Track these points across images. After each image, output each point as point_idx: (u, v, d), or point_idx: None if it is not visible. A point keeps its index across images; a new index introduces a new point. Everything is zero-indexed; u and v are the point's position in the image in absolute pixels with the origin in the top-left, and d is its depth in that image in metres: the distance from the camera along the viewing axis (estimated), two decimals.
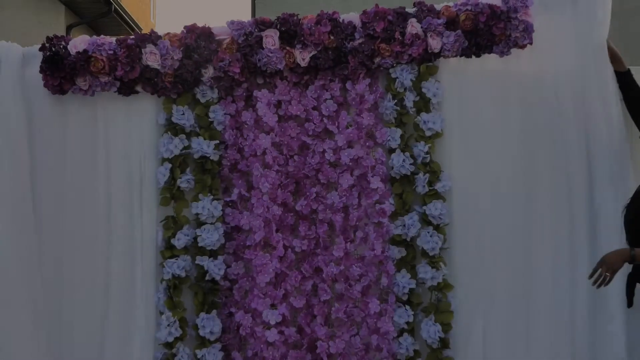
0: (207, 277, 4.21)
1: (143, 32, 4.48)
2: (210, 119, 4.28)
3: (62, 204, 4.30)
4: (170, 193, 4.26)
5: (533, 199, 4.23)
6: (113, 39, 4.27)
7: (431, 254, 4.15)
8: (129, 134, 4.32)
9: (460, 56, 4.26)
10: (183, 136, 4.25)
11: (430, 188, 4.18)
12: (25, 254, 4.17)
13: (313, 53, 4.23)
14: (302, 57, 4.23)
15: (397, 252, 4.21)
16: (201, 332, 4.16)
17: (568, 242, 4.20)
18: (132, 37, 4.26)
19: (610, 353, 4.01)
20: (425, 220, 4.19)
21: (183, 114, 4.25)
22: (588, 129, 4.15)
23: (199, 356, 4.18)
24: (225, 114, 4.30)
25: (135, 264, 4.26)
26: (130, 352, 4.23)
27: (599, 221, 4.10)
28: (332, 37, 4.21)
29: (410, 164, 4.20)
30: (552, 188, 4.22)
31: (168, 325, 4.16)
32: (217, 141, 4.26)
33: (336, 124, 4.28)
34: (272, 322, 4.09)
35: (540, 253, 4.21)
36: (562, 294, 4.19)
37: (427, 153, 4.19)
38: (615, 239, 3.93)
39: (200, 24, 4.28)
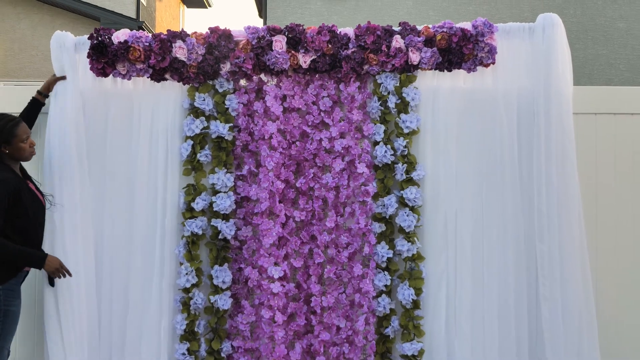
0: (220, 236, 4.84)
1: None
2: (226, 106, 4.90)
3: (103, 168, 4.92)
4: (191, 165, 4.90)
5: (490, 188, 4.89)
6: (149, 34, 4.88)
7: (407, 230, 4.81)
8: (158, 115, 4.95)
9: (435, 69, 4.92)
10: (203, 119, 4.88)
11: (407, 176, 4.84)
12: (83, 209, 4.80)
13: (313, 57, 4.87)
14: (304, 60, 4.87)
15: (378, 227, 4.87)
16: (215, 282, 4.80)
17: (520, 223, 4.85)
18: (165, 33, 4.87)
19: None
20: (402, 202, 4.85)
21: (204, 100, 4.88)
22: (534, 135, 4.80)
23: (212, 301, 4.82)
24: (238, 102, 4.93)
25: (161, 222, 4.88)
26: (151, 295, 4.85)
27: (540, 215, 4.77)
28: (330, 45, 4.85)
29: (391, 155, 4.84)
30: (505, 180, 4.87)
31: (186, 273, 4.80)
32: (232, 124, 4.89)
33: (331, 118, 4.92)
34: (276, 277, 4.72)
35: (497, 231, 4.87)
36: (516, 268, 4.84)
37: (405, 147, 4.84)
38: (556, 232, 4.71)
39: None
